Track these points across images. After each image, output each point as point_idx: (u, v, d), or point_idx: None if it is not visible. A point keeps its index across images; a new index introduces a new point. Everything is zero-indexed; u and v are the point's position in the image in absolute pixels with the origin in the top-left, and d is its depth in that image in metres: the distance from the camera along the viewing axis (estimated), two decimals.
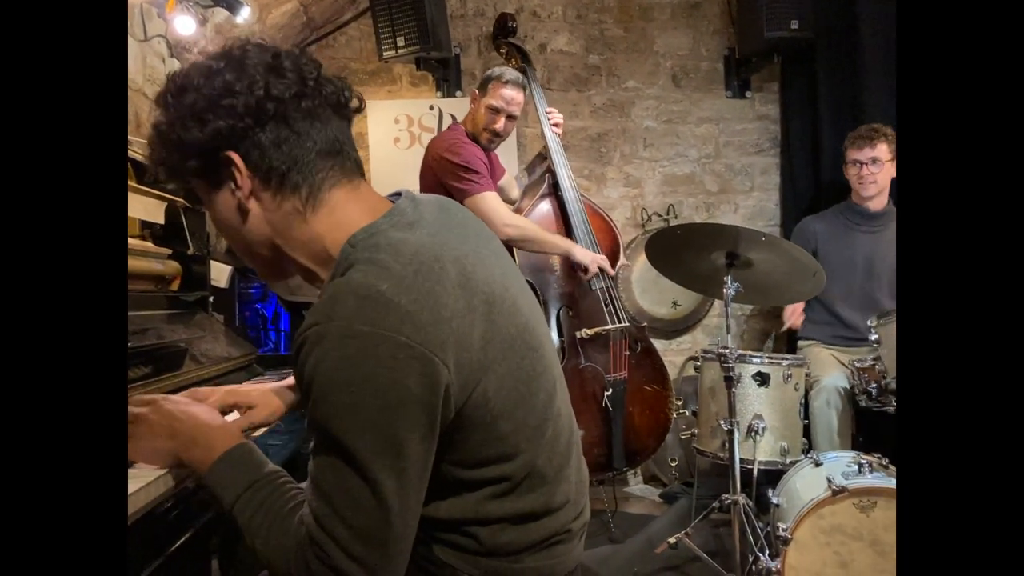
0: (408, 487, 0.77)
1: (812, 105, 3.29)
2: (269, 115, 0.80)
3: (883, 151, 2.66)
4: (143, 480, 0.84)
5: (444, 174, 2.35)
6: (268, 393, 1.13)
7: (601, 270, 2.51)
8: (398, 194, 0.93)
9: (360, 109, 0.91)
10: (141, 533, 0.82)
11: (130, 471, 0.87)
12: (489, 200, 2.33)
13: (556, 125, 2.69)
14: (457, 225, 0.92)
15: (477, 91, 2.48)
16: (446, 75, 3.29)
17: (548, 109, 2.69)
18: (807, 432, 2.36)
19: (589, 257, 2.49)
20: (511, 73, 2.46)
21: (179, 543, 0.90)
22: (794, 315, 2.83)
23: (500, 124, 2.44)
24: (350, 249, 0.82)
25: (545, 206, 2.67)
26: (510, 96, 2.41)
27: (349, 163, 0.87)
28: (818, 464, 1.97)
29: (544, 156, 2.75)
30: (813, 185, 3.33)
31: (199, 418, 0.90)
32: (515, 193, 2.79)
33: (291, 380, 1.15)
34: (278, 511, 0.81)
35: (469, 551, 0.87)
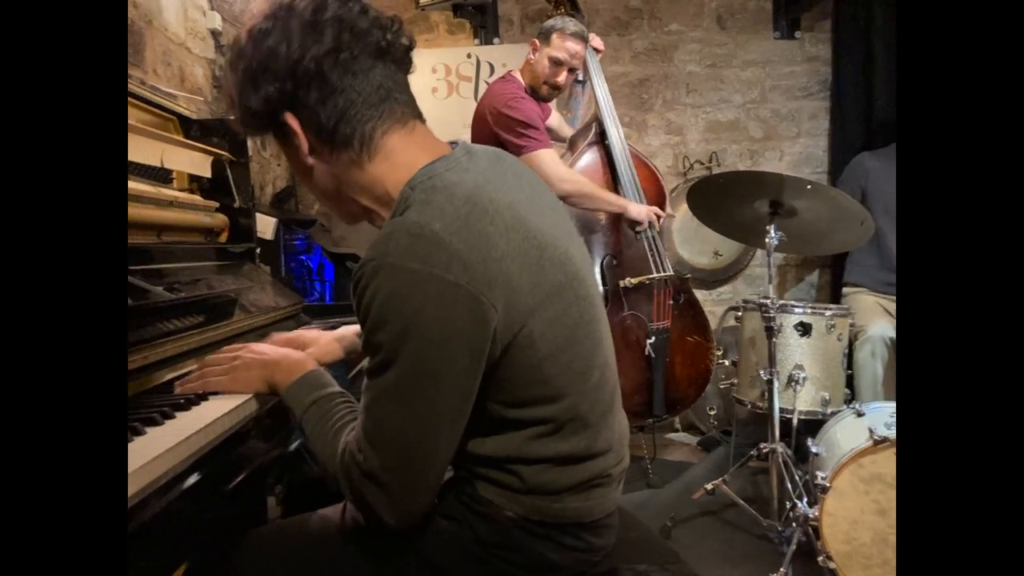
0: (443, 418, 0.82)
1: (866, 44, 3.13)
2: (310, 75, 0.83)
3: None
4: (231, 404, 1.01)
5: (501, 128, 2.31)
6: (324, 337, 1.25)
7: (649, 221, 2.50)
8: (454, 143, 0.96)
9: (410, 48, 0.91)
10: (209, 466, 0.89)
11: (213, 399, 1.03)
12: (546, 157, 2.30)
13: (597, 50, 2.63)
14: (512, 175, 0.94)
15: (537, 40, 2.39)
16: (483, 22, 3.23)
17: (592, 40, 2.62)
18: (850, 382, 2.33)
19: (644, 212, 2.47)
20: (575, 25, 2.37)
21: (238, 479, 0.96)
22: None
23: (562, 77, 2.37)
24: (409, 191, 0.85)
25: (591, 155, 2.63)
26: (575, 49, 2.34)
27: (398, 107, 0.89)
28: (860, 414, 1.96)
29: (578, 82, 2.68)
30: (864, 130, 3.20)
31: (281, 351, 1.06)
32: (565, 131, 2.74)
33: (343, 330, 1.28)
34: (333, 424, 0.91)
35: (511, 488, 0.91)
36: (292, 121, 0.86)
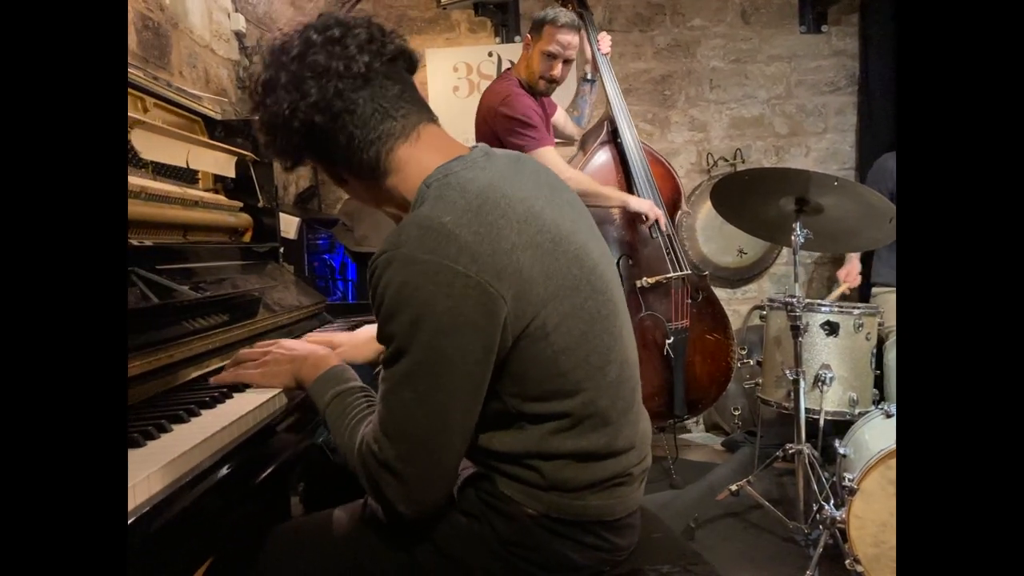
0: (456, 408, 0.83)
1: (895, 37, 3.07)
2: (306, 128, 0.89)
3: None
4: (261, 398, 1.05)
5: (499, 128, 2.28)
6: (359, 336, 1.29)
7: (656, 220, 2.47)
8: (475, 147, 0.98)
9: (399, 52, 0.93)
10: (240, 456, 0.91)
11: (238, 396, 1.07)
12: (547, 155, 2.27)
13: (602, 45, 2.59)
14: (530, 173, 0.96)
15: (530, 36, 2.36)
16: (504, 20, 3.23)
17: (600, 37, 2.59)
18: (879, 383, 2.29)
19: (646, 205, 2.45)
20: (565, 15, 2.32)
21: (263, 475, 0.97)
22: (850, 276, 2.71)
23: (557, 70, 2.32)
24: (424, 188, 0.89)
25: (604, 155, 2.61)
26: (567, 40, 2.29)
27: (398, 121, 0.91)
28: (889, 415, 1.92)
29: (586, 80, 2.65)
30: (893, 125, 3.14)
31: (309, 347, 1.12)
32: (571, 129, 2.70)
33: (369, 333, 1.28)
34: (352, 417, 0.93)
35: (532, 484, 0.91)
36: (312, 161, 0.96)
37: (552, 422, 0.89)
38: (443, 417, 0.83)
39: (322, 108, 0.88)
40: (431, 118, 0.96)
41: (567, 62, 2.34)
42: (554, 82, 2.36)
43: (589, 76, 2.64)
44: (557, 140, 2.56)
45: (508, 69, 2.50)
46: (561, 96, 2.61)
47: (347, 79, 0.88)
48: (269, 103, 0.90)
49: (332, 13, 0.93)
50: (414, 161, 0.92)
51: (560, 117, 2.63)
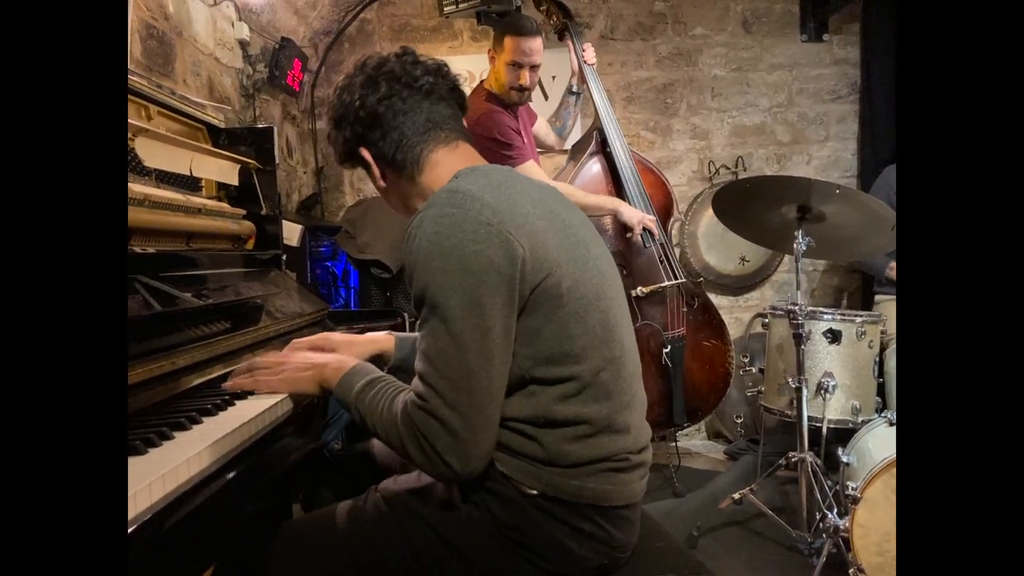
0: (492, 347, 0.89)
1: (896, 43, 3.08)
2: (369, 118, 1.05)
3: None
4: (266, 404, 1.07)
5: (479, 149, 2.26)
6: (359, 340, 1.30)
7: (647, 229, 2.46)
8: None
9: (455, 88, 1.11)
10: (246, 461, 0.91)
11: (240, 403, 1.08)
12: (529, 171, 2.24)
13: (587, 56, 2.57)
14: (544, 187, 1.09)
15: (492, 50, 2.32)
16: None
17: (584, 48, 2.57)
18: (881, 391, 2.29)
19: (636, 217, 2.44)
20: (522, 21, 2.28)
21: (265, 481, 0.98)
22: None
23: (526, 78, 2.28)
24: (454, 179, 1.01)
25: (595, 165, 2.61)
26: (528, 47, 2.24)
27: (444, 132, 1.08)
28: (892, 424, 1.92)
29: (571, 92, 2.64)
30: (895, 133, 3.14)
31: (326, 356, 1.15)
32: (552, 138, 2.68)
33: (369, 336, 1.31)
34: (388, 394, 0.97)
35: (531, 458, 0.94)
36: (365, 154, 1.08)
37: (560, 385, 0.94)
38: (482, 359, 0.88)
39: (386, 103, 1.04)
40: (469, 139, 1.12)
41: (534, 68, 2.30)
42: (525, 90, 2.32)
43: (575, 89, 2.63)
44: (539, 150, 2.54)
45: (480, 83, 2.44)
46: (545, 109, 2.60)
47: (413, 88, 1.05)
48: (344, 98, 1.07)
49: (411, 48, 1.11)
50: (448, 163, 1.06)
51: (541, 127, 2.61)
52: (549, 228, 0.96)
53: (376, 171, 1.10)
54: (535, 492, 0.94)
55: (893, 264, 2.64)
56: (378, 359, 1.26)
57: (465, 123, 1.13)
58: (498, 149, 2.21)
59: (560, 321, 0.93)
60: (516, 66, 2.27)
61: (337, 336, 1.30)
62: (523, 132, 2.37)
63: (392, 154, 1.06)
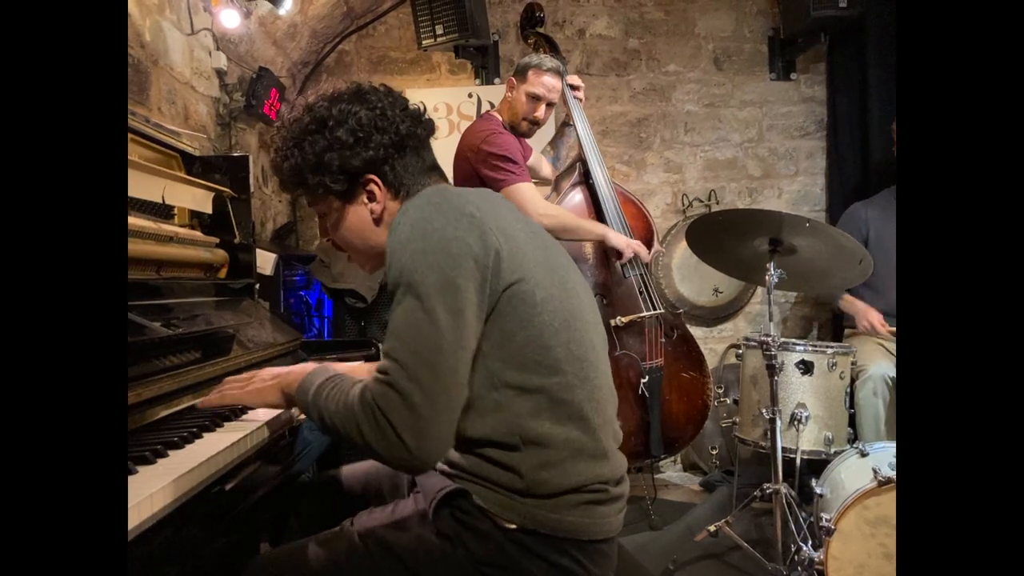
0: (462, 329, 0.89)
1: (861, 85, 3.19)
2: (405, 146, 1.07)
3: None
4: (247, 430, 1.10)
5: (480, 164, 2.31)
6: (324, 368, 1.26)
7: (635, 256, 2.49)
8: None
9: (432, 132, 1.14)
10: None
11: (207, 435, 1.07)
12: (526, 191, 2.30)
13: (577, 91, 2.65)
14: (528, 219, 1.11)
15: (514, 79, 2.44)
16: (484, 62, 3.28)
17: (570, 79, 2.64)
18: (853, 422, 2.31)
19: (624, 242, 2.47)
20: (550, 61, 2.42)
21: (232, 515, 0.95)
22: (878, 320, 2.57)
23: (541, 112, 2.41)
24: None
25: (577, 196, 2.64)
26: (551, 84, 2.38)
27: (436, 174, 1.12)
28: (864, 454, 1.93)
29: (568, 124, 2.71)
30: (861, 169, 3.23)
31: (292, 367, 1.15)
32: (546, 170, 2.75)
33: (340, 365, 1.29)
34: (343, 388, 0.95)
35: (509, 489, 0.93)
36: (378, 180, 1.07)
37: (530, 399, 0.93)
38: (451, 336, 0.87)
39: (411, 136, 1.07)
40: (446, 180, 1.15)
41: (550, 105, 2.43)
42: (536, 124, 2.43)
43: (570, 121, 2.70)
44: (534, 180, 2.59)
45: (489, 111, 2.54)
46: (537, 140, 2.66)
47: (418, 129, 1.09)
48: (356, 119, 1.04)
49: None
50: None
51: (534, 160, 2.69)
52: (529, 243, 0.99)
53: (381, 199, 1.07)
54: (513, 526, 0.93)
55: (846, 295, 2.67)
56: None
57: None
58: (503, 165, 2.28)
59: (535, 328, 0.94)
60: (535, 99, 2.39)
61: (312, 366, 1.28)
62: (524, 159, 2.44)
63: (409, 184, 1.07)
